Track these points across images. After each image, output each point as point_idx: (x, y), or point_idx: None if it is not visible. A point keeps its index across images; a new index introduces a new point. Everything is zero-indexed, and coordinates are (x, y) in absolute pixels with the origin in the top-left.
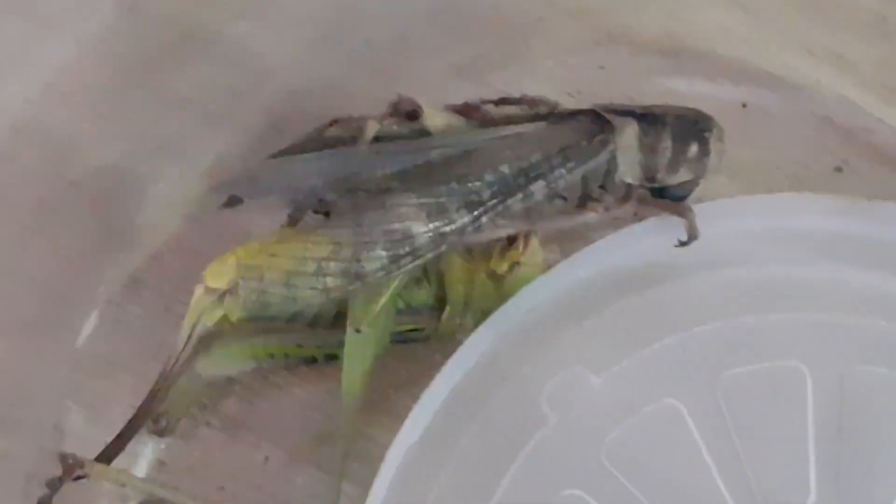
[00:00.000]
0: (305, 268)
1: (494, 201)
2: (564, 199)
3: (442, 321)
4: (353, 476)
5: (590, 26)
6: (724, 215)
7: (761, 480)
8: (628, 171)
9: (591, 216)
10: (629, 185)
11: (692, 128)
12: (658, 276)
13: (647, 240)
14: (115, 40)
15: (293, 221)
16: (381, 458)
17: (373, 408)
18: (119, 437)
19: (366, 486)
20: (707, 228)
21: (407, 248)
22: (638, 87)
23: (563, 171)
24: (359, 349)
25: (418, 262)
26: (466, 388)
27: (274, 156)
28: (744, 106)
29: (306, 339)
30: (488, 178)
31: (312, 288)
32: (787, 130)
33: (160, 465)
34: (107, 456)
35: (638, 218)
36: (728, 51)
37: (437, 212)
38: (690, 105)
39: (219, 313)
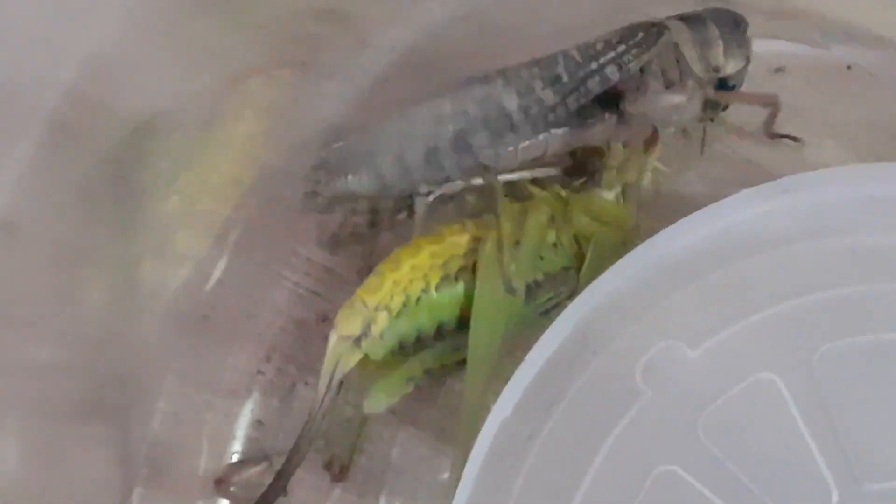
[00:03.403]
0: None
1: (574, 83)
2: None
3: (581, 276)
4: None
5: None
6: (826, 183)
7: (860, 456)
8: (695, 63)
9: (677, 98)
10: (700, 78)
11: (727, 16)
12: (753, 247)
13: (742, 210)
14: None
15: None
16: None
17: None
18: (271, 486)
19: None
20: (809, 196)
21: (505, 126)
22: None
23: (629, 56)
24: (485, 334)
25: (522, 142)
26: (559, 362)
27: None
28: (848, 68)
29: (455, 344)
30: (560, 59)
31: (422, 165)
32: (892, 91)
33: (258, 424)
34: None
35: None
36: (832, 11)
37: (524, 90)
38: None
39: (357, 357)
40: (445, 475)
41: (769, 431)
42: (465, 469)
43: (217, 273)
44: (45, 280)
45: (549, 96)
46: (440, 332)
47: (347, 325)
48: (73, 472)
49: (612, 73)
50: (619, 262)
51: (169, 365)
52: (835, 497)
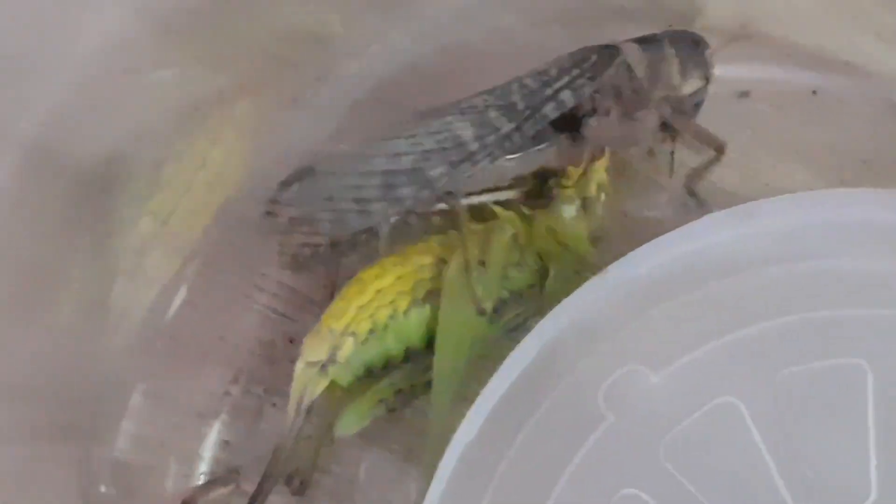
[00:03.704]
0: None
1: (529, 110)
2: (607, 114)
3: (546, 293)
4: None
5: (661, 8)
6: (789, 209)
7: (821, 479)
8: (647, 81)
9: (636, 124)
10: (656, 97)
11: (685, 36)
12: (716, 272)
13: (707, 236)
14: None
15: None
16: None
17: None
18: None
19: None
20: (772, 222)
21: (462, 156)
22: None
23: (582, 80)
24: (450, 353)
25: (477, 167)
26: (523, 386)
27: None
28: (814, 92)
29: (424, 366)
30: (515, 87)
31: (381, 200)
32: (858, 116)
33: (226, 445)
34: None
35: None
36: (798, 36)
37: (479, 120)
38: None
39: (324, 383)
40: (412, 496)
41: (730, 455)
42: (430, 492)
43: (185, 294)
44: (14, 300)
45: (504, 124)
46: (408, 355)
47: (314, 351)
48: (38, 493)
49: (567, 97)
50: (584, 287)
51: (136, 385)
52: None
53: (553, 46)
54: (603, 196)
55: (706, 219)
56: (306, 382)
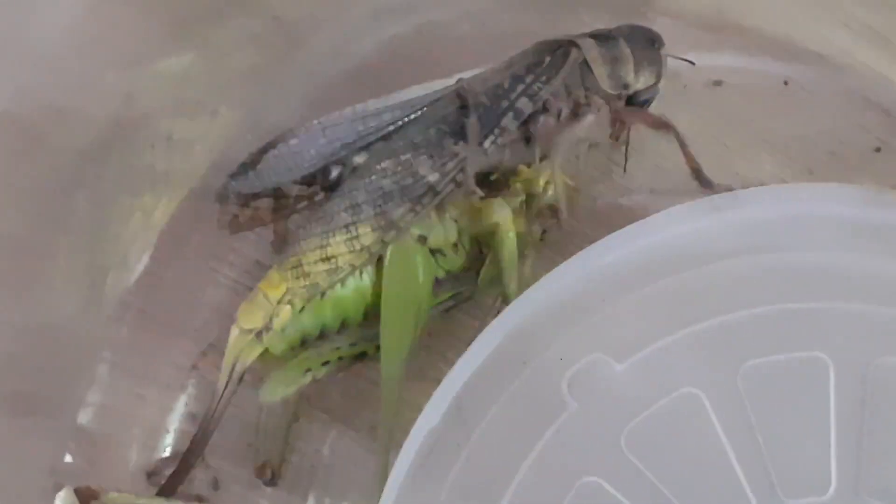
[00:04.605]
0: (337, 246)
1: (486, 128)
2: (558, 117)
3: (480, 278)
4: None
5: None
6: (755, 202)
7: (781, 471)
8: (603, 80)
9: (587, 119)
10: (608, 94)
11: (641, 34)
12: (682, 263)
13: (673, 227)
14: None
15: (280, 239)
16: None
17: (419, 376)
18: (172, 477)
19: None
20: (739, 214)
21: (423, 189)
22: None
23: (538, 84)
24: (397, 325)
25: (439, 197)
26: (488, 372)
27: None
28: (785, 83)
29: (357, 337)
30: (472, 109)
31: (350, 251)
32: (828, 108)
33: (192, 418)
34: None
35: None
36: (770, 27)
37: (434, 149)
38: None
39: (257, 350)
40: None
41: (692, 445)
42: (391, 477)
43: (155, 268)
44: None
45: (462, 148)
46: (343, 326)
47: (249, 318)
48: (3, 463)
49: (524, 104)
50: (550, 275)
51: (102, 356)
52: None
53: (526, 30)
54: (549, 196)
55: (672, 210)
56: (240, 349)
